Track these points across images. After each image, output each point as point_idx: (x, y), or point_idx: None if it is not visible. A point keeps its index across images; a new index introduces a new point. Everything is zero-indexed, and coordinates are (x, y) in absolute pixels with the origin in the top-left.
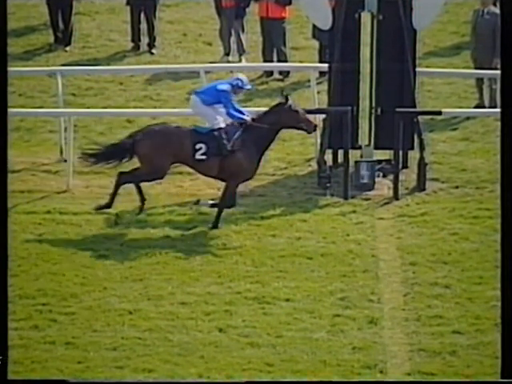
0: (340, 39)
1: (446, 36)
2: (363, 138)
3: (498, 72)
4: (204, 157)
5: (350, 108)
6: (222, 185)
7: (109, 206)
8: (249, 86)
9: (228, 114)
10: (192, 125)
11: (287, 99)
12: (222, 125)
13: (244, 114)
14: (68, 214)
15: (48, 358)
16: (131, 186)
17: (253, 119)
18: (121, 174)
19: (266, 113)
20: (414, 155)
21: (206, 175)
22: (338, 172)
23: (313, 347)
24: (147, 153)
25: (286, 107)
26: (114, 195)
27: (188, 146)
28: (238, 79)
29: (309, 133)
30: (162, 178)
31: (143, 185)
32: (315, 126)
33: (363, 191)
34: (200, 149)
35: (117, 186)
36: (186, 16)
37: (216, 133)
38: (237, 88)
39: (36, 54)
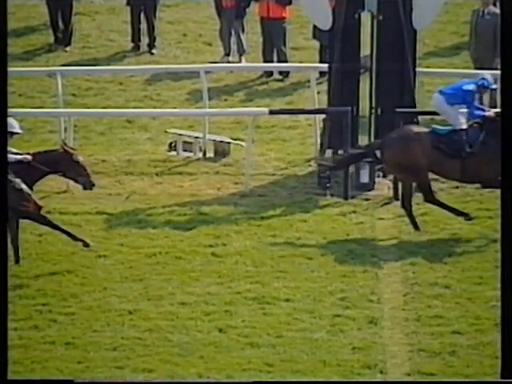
0: (340, 39)
1: (446, 36)
2: (363, 138)
3: (498, 72)
4: (443, 158)
5: (349, 108)
6: (222, 185)
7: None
8: (494, 86)
9: (470, 114)
10: (433, 126)
11: None
12: (464, 126)
13: (485, 111)
14: (68, 214)
15: (48, 358)
16: (134, 185)
17: (496, 115)
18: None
19: None
20: None
21: (448, 178)
22: (338, 172)
23: (313, 347)
24: (396, 162)
25: None
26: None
27: (428, 148)
28: (484, 79)
29: None
30: (420, 177)
31: (143, 185)
32: None
33: (363, 191)
34: (439, 150)
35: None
36: (186, 16)
37: (456, 134)
38: (482, 88)
39: (36, 54)
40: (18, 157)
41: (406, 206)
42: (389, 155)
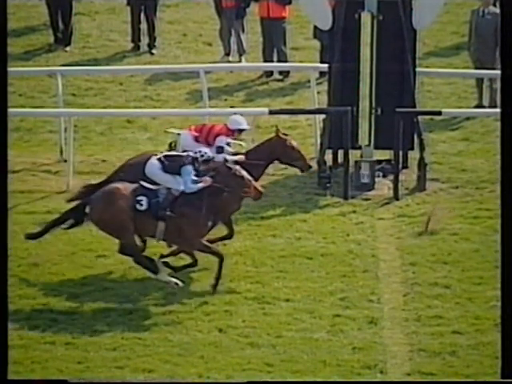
0: (340, 39)
1: (446, 36)
2: (363, 138)
3: (498, 72)
4: None
5: (349, 108)
6: None
7: None
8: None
9: None
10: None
11: None
12: None
13: None
14: None
15: (48, 358)
16: None
17: None
18: None
19: None
20: (413, 155)
21: None
22: (338, 172)
23: (313, 347)
24: None
25: None
26: None
27: None
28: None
29: None
30: None
31: None
32: None
33: (363, 191)
34: None
35: None
36: (185, 16)
37: None
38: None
39: (36, 54)
40: (234, 157)
41: None
42: None
